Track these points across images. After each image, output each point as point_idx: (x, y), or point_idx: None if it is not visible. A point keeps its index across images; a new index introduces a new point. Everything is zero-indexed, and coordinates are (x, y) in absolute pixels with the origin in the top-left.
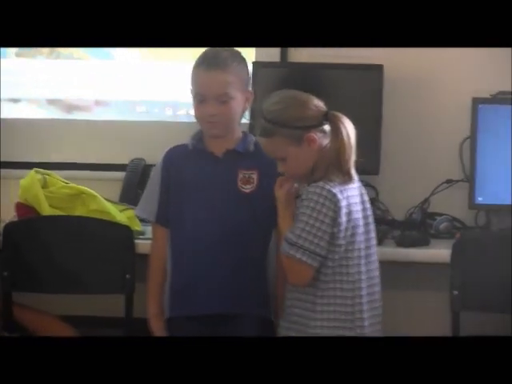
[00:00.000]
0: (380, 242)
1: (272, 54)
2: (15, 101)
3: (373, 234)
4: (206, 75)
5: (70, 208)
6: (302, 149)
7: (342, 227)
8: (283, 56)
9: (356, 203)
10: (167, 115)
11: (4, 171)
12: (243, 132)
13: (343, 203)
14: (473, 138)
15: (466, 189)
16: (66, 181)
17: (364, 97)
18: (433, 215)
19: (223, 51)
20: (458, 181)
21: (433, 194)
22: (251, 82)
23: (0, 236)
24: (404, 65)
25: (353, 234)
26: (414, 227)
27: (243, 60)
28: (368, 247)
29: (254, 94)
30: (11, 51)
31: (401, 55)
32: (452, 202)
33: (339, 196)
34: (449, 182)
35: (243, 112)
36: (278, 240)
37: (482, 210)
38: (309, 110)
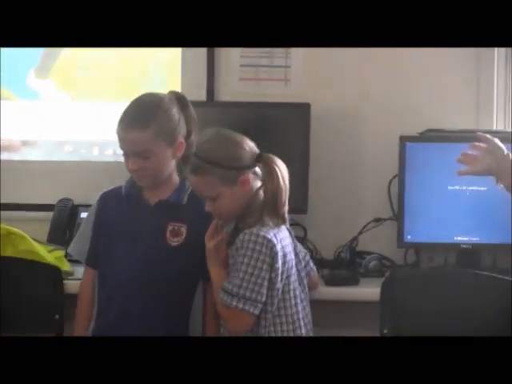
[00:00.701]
0: None
1: (198, 92)
2: None
3: (304, 273)
4: (124, 134)
5: None
6: (235, 190)
7: (279, 271)
8: (209, 95)
9: (288, 244)
10: (94, 155)
11: None
12: (181, 179)
13: (278, 247)
14: (400, 175)
15: (394, 227)
16: None
17: (291, 135)
18: (362, 254)
19: (143, 106)
20: (386, 219)
21: (361, 232)
22: (185, 128)
23: None
24: (331, 103)
25: (288, 276)
26: (343, 266)
27: (167, 111)
28: (301, 284)
29: (187, 142)
30: None
31: (327, 93)
32: (381, 241)
33: (274, 241)
34: (377, 220)
35: (175, 161)
36: (211, 288)
37: (411, 248)
38: (243, 150)
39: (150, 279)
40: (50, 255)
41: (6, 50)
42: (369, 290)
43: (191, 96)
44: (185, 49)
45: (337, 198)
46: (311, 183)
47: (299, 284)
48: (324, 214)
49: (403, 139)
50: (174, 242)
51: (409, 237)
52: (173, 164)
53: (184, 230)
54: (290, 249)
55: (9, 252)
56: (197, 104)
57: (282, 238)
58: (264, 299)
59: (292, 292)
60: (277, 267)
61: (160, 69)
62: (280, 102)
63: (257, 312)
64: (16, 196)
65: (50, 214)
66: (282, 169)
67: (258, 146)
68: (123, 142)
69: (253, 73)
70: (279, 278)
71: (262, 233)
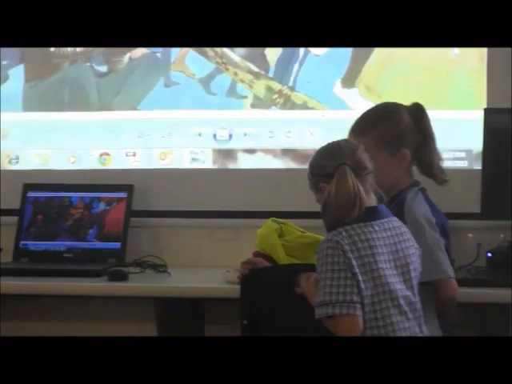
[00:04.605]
0: None
1: (504, 99)
2: (251, 151)
3: (413, 273)
4: (349, 137)
5: (306, 257)
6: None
7: (360, 277)
8: None
9: (379, 245)
10: None
11: (242, 221)
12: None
13: (353, 253)
14: None
15: None
16: (302, 230)
17: None
18: None
19: (369, 113)
20: None
21: None
22: (414, 138)
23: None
24: None
25: (378, 277)
26: None
27: (393, 121)
28: (405, 287)
29: (410, 153)
30: (247, 103)
31: None
32: None
33: (346, 247)
34: None
35: (401, 170)
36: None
37: None
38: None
39: None
40: None
41: (313, 61)
42: None
43: (497, 103)
44: (491, 55)
45: None
46: None
47: (401, 288)
48: None
49: None
50: None
51: None
52: (397, 173)
53: None
54: (380, 250)
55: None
56: (501, 111)
57: (370, 238)
58: (357, 299)
59: (381, 294)
60: (355, 272)
61: (466, 75)
62: None
63: (357, 312)
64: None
65: None
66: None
67: None
68: None
69: None
70: (363, 285)
71: (335, 238)
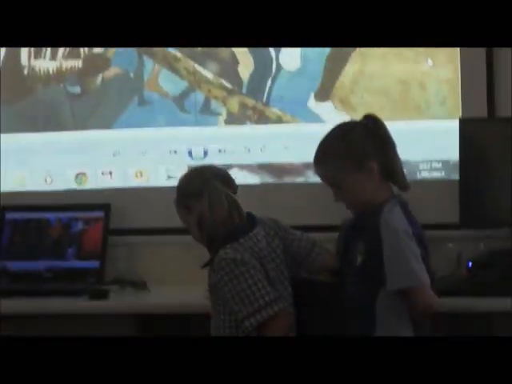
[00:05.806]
0: None
1: (479, 109)
2: (227, 167)
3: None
4: (314, 169)
5: None
6: None
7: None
8: (490, 111)
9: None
10: None
11: None
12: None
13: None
14: None
15: None
16: None
17: None
18: None
19: (325, 140)
20: None
21: None
22: (376, 150)
23: None
24: None
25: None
26: None
27: (345, 141)
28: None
29: (377, 164)
30: (221, 119)
31: None
32: None
33: (250, 260)
34: None
35: (372, 185)
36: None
37: None
38: None
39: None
40: None
41: (286, 77)
42: None
43: (472, 113)
44: (464, 65)
45: None
46: None
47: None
48: None
49: None
50: (359, 260)
51: None
52: (371, 188)
53: (363, 248)
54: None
55: None
56: (477, 121)
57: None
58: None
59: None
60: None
61: (440, 86)
62: None
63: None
64: (302, 218)
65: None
66: None
67: None
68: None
69: None
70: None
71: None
